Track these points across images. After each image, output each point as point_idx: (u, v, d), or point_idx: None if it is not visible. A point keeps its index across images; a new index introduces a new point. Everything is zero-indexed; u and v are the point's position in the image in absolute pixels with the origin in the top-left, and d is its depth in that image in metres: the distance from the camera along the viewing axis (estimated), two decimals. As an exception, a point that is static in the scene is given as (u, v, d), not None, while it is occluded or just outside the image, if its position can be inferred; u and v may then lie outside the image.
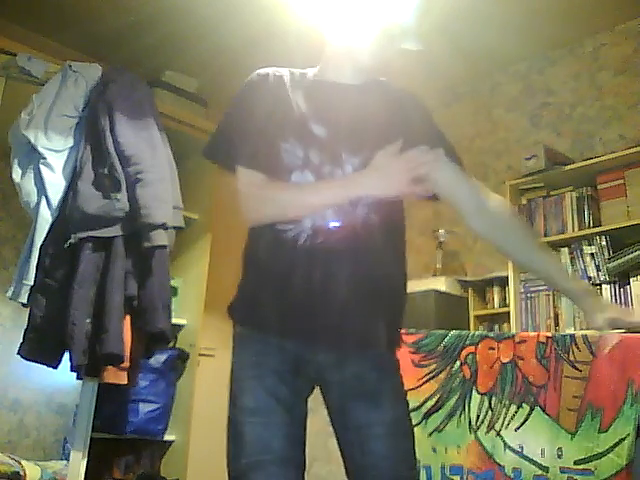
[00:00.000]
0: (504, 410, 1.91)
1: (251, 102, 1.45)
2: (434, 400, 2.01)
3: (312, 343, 1.36)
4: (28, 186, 2.52)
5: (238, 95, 1.49)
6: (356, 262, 1.35)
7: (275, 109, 1.42)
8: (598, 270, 3.02)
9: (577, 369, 1.82)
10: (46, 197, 2.50)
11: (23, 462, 2.67)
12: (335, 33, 1.53)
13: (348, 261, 1.35)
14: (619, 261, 2.94)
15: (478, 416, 1.94)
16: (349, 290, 1.34)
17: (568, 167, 3.23)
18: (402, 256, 1.47)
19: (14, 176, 2.54)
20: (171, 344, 3.07)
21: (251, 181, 1.39)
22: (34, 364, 2.50)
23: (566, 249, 3.16)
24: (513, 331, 3.15)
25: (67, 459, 2.69)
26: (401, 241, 1.49)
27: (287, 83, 1.47)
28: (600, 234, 3.05)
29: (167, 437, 3.07)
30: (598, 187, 3.16)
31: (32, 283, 2.43)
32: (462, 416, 1.96)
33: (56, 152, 2.55)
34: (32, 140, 2.51)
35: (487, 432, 1.91)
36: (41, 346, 2.41)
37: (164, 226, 2.47)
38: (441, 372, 2.03)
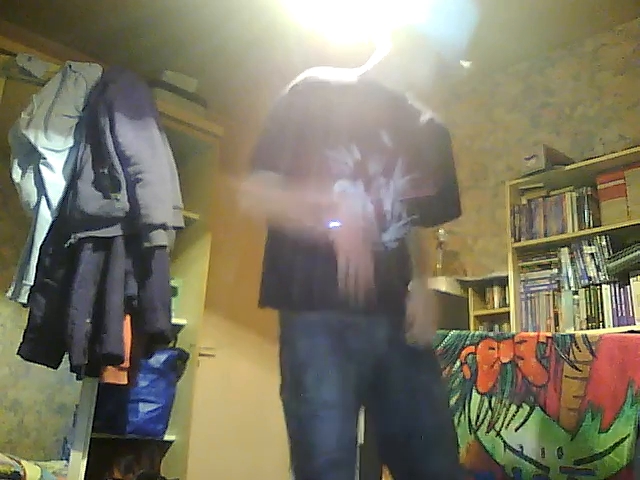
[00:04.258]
0: (504, 410, 1.91)
1: (295, 109, 1.42)
2: (434, 400, 2.01)
3: (373, 321, 1.35)
4: (28, 186, 2.52)
5: (282, 99, 1.46)
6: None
7: (321, 116, 1.39)
8: (598, 270, 3.02)
9: (577, 369, 1.82)
10: (46, 197, 2.49)
11: (23, 462, 2.67)
12: (396, 45, 1.51)
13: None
14: (619, 261, 2.94)
15: (478, 416, 1.94)
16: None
17: (568, 167, 3.23)
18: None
19: (14, 176, 2.54)
20: (171, 344, 3.07)
21: (260, 180, 1.39)
22: (34, 364, 2.50)
23: (566, 249, 3.16)
24: (513, 331, 3.15)
25: (67, 459, 2.69)
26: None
27: (336, 89, 1.44)
28: (600, 234, 3.05)
29: (167, 437, 3.07)
30: (598, 187, 3.16)
31: (32, 283, 2.42)
32: (462, 416, 1.96)
33: (56, 152, 2.55)
34: (32, 140, 2.51)
35: (487, 432, 1.91)
36: (41, 346, 2.41)
37: (164, 226, 2.47)
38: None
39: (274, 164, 1.39)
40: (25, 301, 2.44)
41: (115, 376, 2.42)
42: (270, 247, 1.44)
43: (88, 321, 2.34)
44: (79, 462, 2.46)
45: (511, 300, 3.25)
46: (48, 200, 2.49)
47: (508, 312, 3.26)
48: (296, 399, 1.28)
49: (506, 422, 1.89)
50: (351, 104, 1.43)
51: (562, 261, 3.16)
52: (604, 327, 2.92)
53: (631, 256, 2.91)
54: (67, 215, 2.44)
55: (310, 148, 1.38)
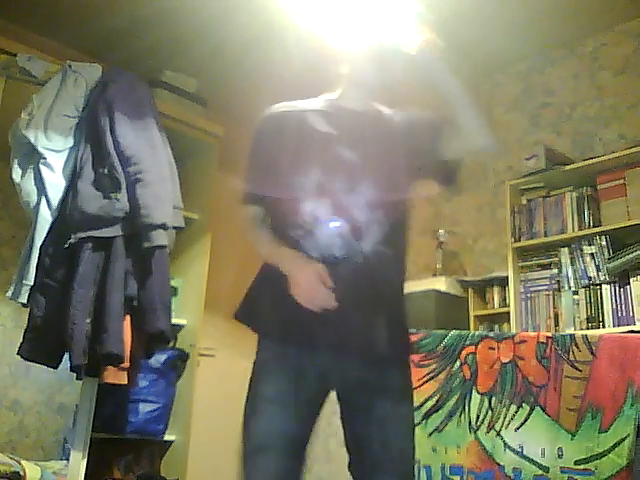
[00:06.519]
0: (504, 410, 1.91)
1: (262, 144, 1.60)
2: (434, 400, 2.01)
3: (332, 351, 1.45)
4: (28, 186, 2.52)
5: (253, 140, 1.62)
6: (359, 276, 1.45)
7: (287, 146, 1.54)
8: (598, 270, 3.02)
9: (577, 369, 1.82)
10: (46, 197, 2.49)
11: (23, 462, 2.66)
12: (346, 58, 1.62)
13: (352, 275, 1.45)
14: (619, 261, 2.94)
15: (478, 416, 1.94)
16: (357, 300, 1.44)
17: (568, 167, 3.23)
18: (402, 267, 1.58)
19: (14, 176, 2.54)
20: (171, 344, 3.07)
21: (251, 216, 1.61)
22: (34, 364, 2.50)
23: (566, 249, 3.16)
24: (513, 331, 3.15)
25: (67, 459, 2.69)
26: (402, 254, 1.58)
27: (299, 118, 1.57)
28: (600, 234, 3.05)
29: (167, 437, 3.07)
30: (598, 187, 3.16)
31: (32, 283, 2.42)
32: (462, 416, 1.97)
33: (56, 152, 2.55)
34: (32, 140, 2.51)
35: (487, 432, 1.91)
36: (41, 346, 2.41)
37: (164, 226, 2.47)
38: (441, 372, 2.03)
39: (257, 199, 1.60)
40: (25, 301, 2.44)
41: (115, 376, 2.42)
42: (262, 269, 1.58)
43: (88, 321, 2.34)
44: (79, 462, 2.46)
45: (511, 300, 3.25)
46: (48, 200, 2.49)
47: (508, 312, 3.26)
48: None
49: (506, 422, 1.89)
50: (314, 130, 1.54)
51: (562, 261, 3.16)
52: (604, 327, 2.92)
53: (631, 256, 2.91)
54: (67, 215, 2.44)
55: (281, 176, 1.52)
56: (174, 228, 2.58)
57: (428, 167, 1.58)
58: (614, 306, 2.93)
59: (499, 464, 1.87)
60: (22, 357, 2.43)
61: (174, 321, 2.67)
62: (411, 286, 3.56)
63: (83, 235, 2.40)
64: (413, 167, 1.57)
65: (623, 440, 1.70)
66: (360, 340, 1.45)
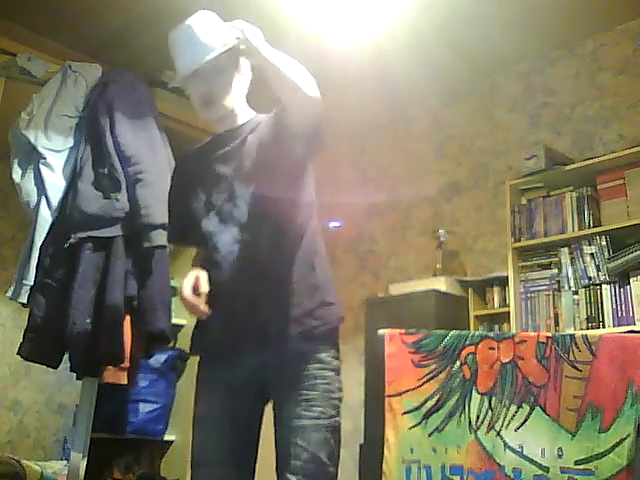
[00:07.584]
0: (504, 410, 1.91)
1: (171, 189, 1.87)
2: (434, 400, 2.01)
3: (248, 356, 1.58)
4: (28, 186, 2.52)
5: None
6: (259, 280, 1.59)
7: (183, 185, 1.78)
8: (598, 270, 3.02)
9: (577, 369, 1.82)
10: (46, 197, 2.49)
11: (23, 462, 2.67)
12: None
13: (253, 280, 1.59)
14: (619, 261, 2.94)
15: (478, 416, 1.94)
16: (259, 301, 1.58)
17: (568, 167, 3.23)
18: (302, 264, 1.63)
19: (14, 176, 2.54)
20: (171, 344, 3.07)
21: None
22: (34, 364, 2.50)
23: (566, 249, 3.16)
24: (513, 331, 3.15)
25: (67, 459, 2.69)
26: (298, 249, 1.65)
27: (184, 158, 1.88)
28: (600, 234, 3.05)
29: (167, 437, 3.07)
30: (598, 187, 3.16)
31: (32, 283, 2.43)
32: (462, 416, 1.96)
33: (56, 152, 2.55)
34: (32, 140, 2.51)
35: (487, 432, 1.91)
36: (41, 346, 2.41)
37: (164, 226, 2.46)
38: (441, 372, 2.03)
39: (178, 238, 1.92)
40: (25, 301, 2.44)
41: (115, 376, 2.42)
42: None
43: (88, 321, 2.34)
44: (79, 462, 2.46)
45: (511, 300, 3.25)
46: (48, 200, 2.49)
47: (508, 312, 3.26)
48: None
49: (506, 422, 1.89)
50: (195, 163, 1.78)
51: (562, 261, 3.16)
52: (604, 327, 2.92)
53: (631, 256, 2.91)
54: (67, 215, 2.44)
55: (187, 208, 1.73)
56: (174, 228, 2.58)
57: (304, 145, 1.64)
58: (614, 306, 2.94)
59: (499, 464, 1.87)
60: (22, 357, 2.43)
61: (174, 321, 2.67)
62: (411, 286, 3.61)
63: (83, 235, 2.40)
64: (295, 155, 1.63)
65: (623, 440, 1.70)
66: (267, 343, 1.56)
